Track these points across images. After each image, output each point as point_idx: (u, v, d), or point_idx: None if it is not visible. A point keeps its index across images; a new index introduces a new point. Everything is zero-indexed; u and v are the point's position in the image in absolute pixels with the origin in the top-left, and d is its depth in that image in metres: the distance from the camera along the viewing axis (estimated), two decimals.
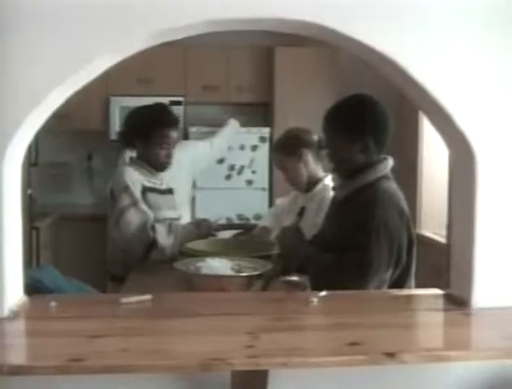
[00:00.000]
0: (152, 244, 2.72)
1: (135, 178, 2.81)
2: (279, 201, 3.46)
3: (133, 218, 2.72)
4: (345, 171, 2.23)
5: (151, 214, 2.77)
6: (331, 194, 2.46)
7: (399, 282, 2.10)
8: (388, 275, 2.06)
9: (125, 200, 2.73)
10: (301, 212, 2.40)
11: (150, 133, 2.86)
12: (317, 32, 1.77)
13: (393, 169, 2.22)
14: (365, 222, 2.04)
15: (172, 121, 2.94)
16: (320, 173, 2.93)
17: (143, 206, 2.76)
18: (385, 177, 2.17)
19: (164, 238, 2.74)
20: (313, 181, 2.91)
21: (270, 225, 3.16)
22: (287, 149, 2.91)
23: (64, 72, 1.67)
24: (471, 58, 1.75)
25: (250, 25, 1.78)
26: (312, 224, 2.50)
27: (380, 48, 1.72)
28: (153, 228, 2.73)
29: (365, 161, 2.16)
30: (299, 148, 2.88)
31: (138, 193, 2.77)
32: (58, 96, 1.73)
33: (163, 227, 2.77)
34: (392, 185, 2.17)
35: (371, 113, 2.15)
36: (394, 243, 2.05)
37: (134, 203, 2.74)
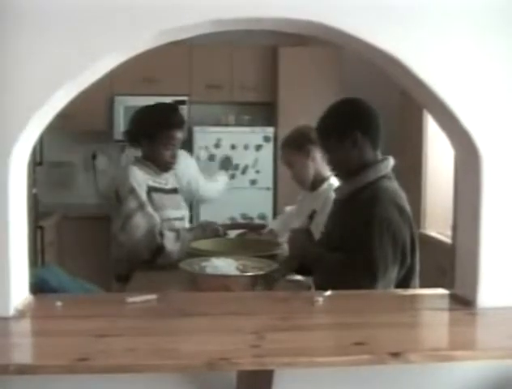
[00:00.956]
0: (159, 249, 2.72)
1: (140, 178, 2.81)
2: (287, 209, 3.43)
3: (140, 222, 2.71)
4: (345, 172, 2.24)
5: (157, 217, 2.76)
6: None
7: (404, 281, 2.10)
8: (394, 274, 2.06)
9: (131, 203, 2.72)
10: (312, 215, 2.38)
11: (156, 133, 2.85)
12: (321, 31, 1.77)
13: (397, 169, 2.23)
14: (368, 222, 2.04)
15: (178, 122, 2.93)
16: (326, 171, 2.91)
17: (150, 209, 2.75)
18: (386, 176, 2.18)
19: (171, 244, 2.73)
20: (320, 180, 2.91)
21: (277, 231, 3.14)
22: (295, 145, 2.90)
23: (69, 72, 1.67)
24: (475, 57, 1.75)
25: (255, 25, 1.78)
26: (319, 224, 2.49)
27: (384, 47, 1.72)
28: (161, 233, 2.73)
29: (362, 160, 2.17)
30: (307, 145, 2.86)
31: (144, 195, 2.77)
32: (63, 96, 1.73)
33: (171, 233, 2.76)
34: (393, 185, 2.17)
35: (354, 110, 2.20)
36: (398, 242, 2.05)
37: (141, 207, 2.73)
